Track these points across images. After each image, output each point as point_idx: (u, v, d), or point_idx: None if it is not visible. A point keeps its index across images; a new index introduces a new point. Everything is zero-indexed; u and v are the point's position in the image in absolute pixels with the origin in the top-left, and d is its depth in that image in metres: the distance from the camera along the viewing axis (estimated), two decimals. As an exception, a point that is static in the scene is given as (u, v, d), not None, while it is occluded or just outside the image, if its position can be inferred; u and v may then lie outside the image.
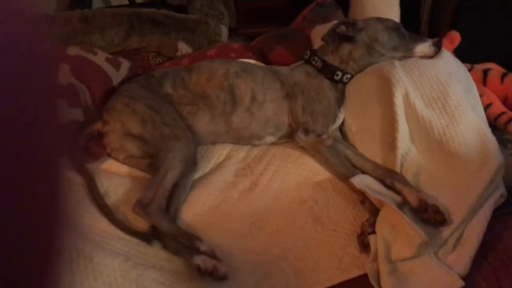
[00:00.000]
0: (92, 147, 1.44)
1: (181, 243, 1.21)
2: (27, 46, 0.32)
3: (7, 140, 0.29)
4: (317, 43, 1.69)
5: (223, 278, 1.12)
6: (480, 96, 1.48)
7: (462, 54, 1.66)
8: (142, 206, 1.24)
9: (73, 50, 1.59)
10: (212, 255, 1.17)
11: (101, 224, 1.23)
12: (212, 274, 1.12)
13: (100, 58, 1.65)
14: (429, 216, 1.15)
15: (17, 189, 0.30)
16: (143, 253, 1.19)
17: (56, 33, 1.95)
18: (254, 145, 1.51)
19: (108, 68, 1.65)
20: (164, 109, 1.42)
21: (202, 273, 1.12)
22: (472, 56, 1.71)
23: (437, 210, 1.15)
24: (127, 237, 1.22)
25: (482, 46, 1.93)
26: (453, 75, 1.40)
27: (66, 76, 1.49)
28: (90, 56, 1.62)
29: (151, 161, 1.38)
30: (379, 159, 1.36)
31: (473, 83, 1.48)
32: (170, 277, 1.13)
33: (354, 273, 1.14)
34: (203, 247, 1.17)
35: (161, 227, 1.22)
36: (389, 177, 1.27)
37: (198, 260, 1.14)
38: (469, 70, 1.61)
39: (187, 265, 1.17)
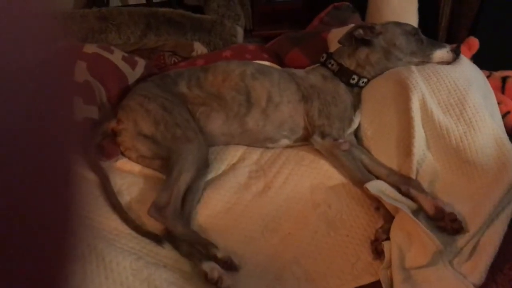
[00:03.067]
0: (106, 145, 1.45)
1: (193, 247, 1.20)
2: (42, 44, 0.32)
3: (22, 137, 0.29)
4: (333, 46, 1.68)
5: None
6: (498, 103, 1.46)
7: (480, 60, 1.64)
8: (157, 209, 1.24)
9: (90, 48, 1.60)
10: (229, 261, 1.15)
11: (114, 223, 1.23)
12: (216, 284, 1.11)
13: (116, 57, 1.66)
14: (446, 224, 1.14)
15: (31, 185, 0.30)
16: (155, 253, 1.18)
17: (72, 31, 1.96)
18: (268, 148, 1.51)
19: (124, 67, 1.65)
20: (177, 109, 1.42)
21: (208, 281, 1.11)
22: (491, 63, 1.69)
23: (454, 219, 1.14)
24: (139, 236, 1.22)
25: (501, 53, 1.91)
26: (471, 82, 1.38)
27: (82, 74, 1.50)
28: (106, 54, 1.62)
29: (162, 162, 1.38)
30: (394, 165, 1.35)
31: (491, 90, 1.46)
32: (181, 277, 1.12)
33: (367, 279, 1.13)
34: (219, 254, 1.15)
35: (176, 231, 1.21)
36: (404, 183, 1.26)
37: (207, 267, 1.12)
38: (488, 77, 1.59)
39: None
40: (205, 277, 1.12)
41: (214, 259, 1.16)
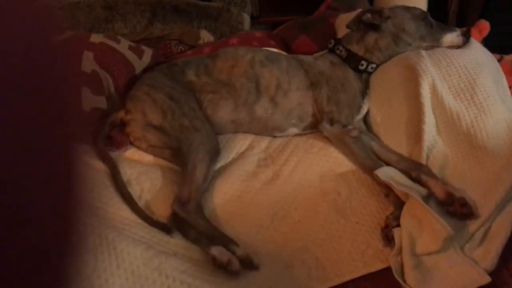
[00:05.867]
0: (115, 136, 1.45)
1: (200, 232, 1.20)
2: (44, 36, 0.32)
3: (26, 125, 0.29)
4: (341, 32, 1.66)
5: (235, 274, 1.11)
6: (510, 87, 1.45)
7: (491, 44, 1.62)
8: (181, 204, 1.23)
9: (96, 38, 1.59)
10: (248, 260, 1.14)
11: (124, 212, 1.24)
12: (226, 268, 1.11)
13: (123, 46, 1.65)
14: (456, 209, 1.13)
15: (34, 172, 0.31)
16: (165, 242, 1.19)
17: (78, 21, 1.95)
18: (276, 137, 1.50)
19: (131, 56, 1.65)
20: (184, 99, 1.42)
21: (217, 265, 1.12)
22: (502, 46, 1.66)
23: (464, 203, 1.13)
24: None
25: (512, 36, 1.88)
26: (482, 66, 1.36)
27: (89, 64, 1.50)
28: (113, 44, 1.62)
29: (172, 151, 1.39)
30: (404, 151, 1.34)
31: (502, 74, 1.44)
32: (192, 265, 1.13)
33: (377, 266, 1.12)
34: (238, 252, 1.15)
35: (198, 226, 1.21)
36: (414, 169, 1.25)
37: (215, 251, 1.13)
38: (499, 60, 1.57)
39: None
40: (213, 261, 1.12)
41: (216, 244, 1.15)
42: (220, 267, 1.11)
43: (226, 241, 1.18)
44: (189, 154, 1.30)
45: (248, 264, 1.14)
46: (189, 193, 1.25)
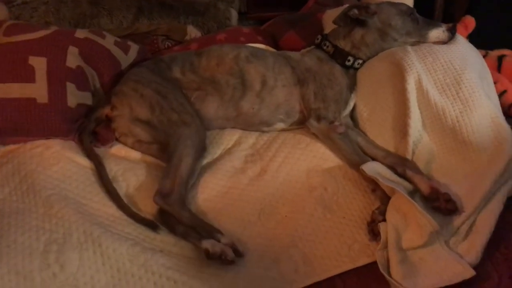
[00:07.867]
0: (101, 132, 1.44)
1: (189, 227, 1.20)
2: None
3: None
4: (328, 27, 1.66)
5: (231, 262, 1.12)
6: (495, 83, 1.46)
7: (476, 40, 1.63)
8: (162, 197, 1.23)
9: (81, 34, 1.57)
10: (233, 247, 1.15)
11: (110, 209, 1.23)
12: (220, 258, 1.11)
13: (108, 42, 1.63)
14: (441, 204, 1.14)
15: None
16: (151, 238, 1.18)
17: (59, 17, 1.90)
18: (264, 132, 1.50)
19: (117, 52, 1.63)
20: (172, 94, 1.41)
21: (211, 257, 1.12)
22: (487, 42, 1.68)
23: (449, 199, 1.14)
24: (135, 222, 1.22)
25: (497, 32, 1.89)
26: (467, 61, 1.37)
27: (75, 59, 1.48)
28: (98, 40, 1.60)
29: (160, 146, 1.38)
30: (390, 146, 1.34)
31: (487, 69, 1.46)
32: (178, 262, 1.13)
33: (364, 261, 1.13)
34: (223, 240, 1.15)
35: (181, 218, 1.21)
36: (400, 164, 1.26)
37: (207, 244, 1.13)
38: (484, 56, 1.58)
39: (195, 250, 1.17)
40: (206, 254, 1.12)
41: (205, 237, 1.16)
42: (214, 259, 1.11)
43: (211, 230, 1.19)
44: (176, 147, 1.30)
45: (234, 251, 1.15)
46: (172, 185, 1.24)
